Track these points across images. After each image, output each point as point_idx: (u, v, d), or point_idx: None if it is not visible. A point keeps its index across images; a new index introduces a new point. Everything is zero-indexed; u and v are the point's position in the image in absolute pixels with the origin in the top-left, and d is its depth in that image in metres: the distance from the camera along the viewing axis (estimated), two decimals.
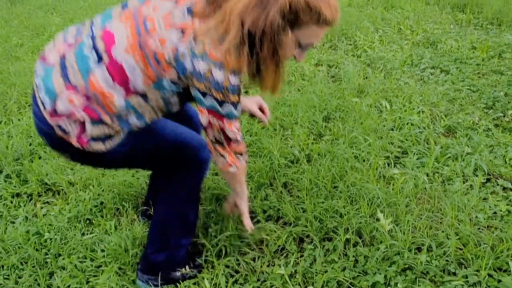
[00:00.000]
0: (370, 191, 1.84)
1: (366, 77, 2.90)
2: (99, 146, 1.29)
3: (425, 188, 1.91)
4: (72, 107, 1.21)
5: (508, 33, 3.52)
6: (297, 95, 2.64)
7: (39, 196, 2.16)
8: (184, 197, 1.51)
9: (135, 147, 1.35)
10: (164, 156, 1.42)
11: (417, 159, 2.13)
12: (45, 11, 4.86)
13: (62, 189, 2.15)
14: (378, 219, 1.70)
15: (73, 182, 2.18)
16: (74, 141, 1.26)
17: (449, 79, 2.88)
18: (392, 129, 2.34)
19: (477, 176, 2.00)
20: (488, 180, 2.00)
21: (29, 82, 3.19)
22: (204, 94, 1.20)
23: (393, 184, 1.94)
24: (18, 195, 2.17)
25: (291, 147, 2.22)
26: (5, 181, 2.24)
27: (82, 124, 1.23)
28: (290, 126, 2.38)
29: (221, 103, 1.21)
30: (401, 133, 2.29)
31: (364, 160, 2.08)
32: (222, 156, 1.34)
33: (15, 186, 2.20)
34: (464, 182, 1.96)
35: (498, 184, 1.96)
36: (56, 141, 1.30)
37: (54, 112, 1.22)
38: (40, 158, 2.39)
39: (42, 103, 1.24)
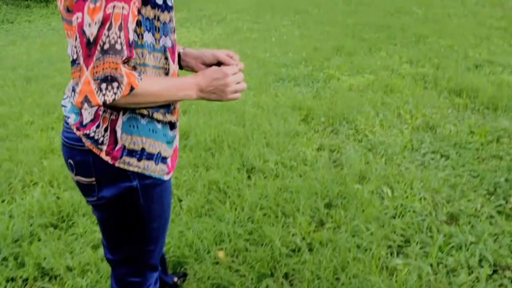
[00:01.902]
0: (373, 284, 1.80)
1: (367, 163, 2.94)
2: (132, 161, 1.16)
3: (429, 280, 1.87)
4: (93, 110, 1.13)
5: (503, 118, 3.60)
6: (299, 181, 2.67)
7: (35, 281, 2.11)
8: None
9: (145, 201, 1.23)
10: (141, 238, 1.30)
11: (420, 248, 2.11)
12: (57, 89, 5.05)
13: (60, 274, 2.11)
14: None
15: (71, 267, 2.15)
16: (103, 154, 1.14)
17: (449, 164, 2.91)
18: (394, 217, 2.33)
19: (482, 267, 1.96)
20: (495, 271, 1.96)
21: (36, 160, 3.25)
22: None
23: (397, 276, 1.90)
24: (13, 279, 2.13)
25: (293, 235, 2.20)
26: (2, 264, 2.20)
27: (113, 129, 1.13)
28: (292, 213, 2.37)
29: None
30: (403, 221, 2.28)
31: (366, 250, 2.05)
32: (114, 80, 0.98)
33: (11, 269, 2.16)
34: (469, 274, 1.92)
35: (505, 277, 1.91)
36: (82, 159, 1.17)
37: (81, 125, 1.15)
38: (39, 240, 2.37)
39: (68, 122, 1.19)
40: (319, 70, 5.02)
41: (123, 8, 0.96)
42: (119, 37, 0.97)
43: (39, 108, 4.44)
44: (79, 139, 1.15)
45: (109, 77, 0.96)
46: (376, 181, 2.65)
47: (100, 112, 1.12)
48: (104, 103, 0.98)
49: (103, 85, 0.96)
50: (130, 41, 1.00)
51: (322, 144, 3.25)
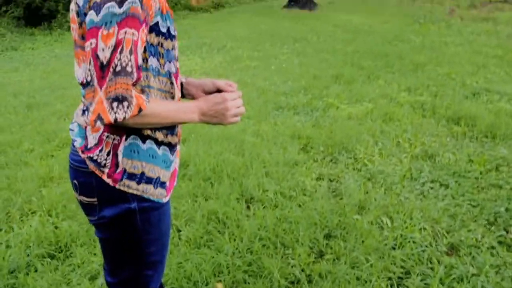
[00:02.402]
0: None
1: (367, 192, 2.93)
2: (132, 184, 1.22)
3: None
4: (98, 134, 1.21)
5: (502, 146, 3.61)
6: (298, 212, 2.65)
7: None
8: None
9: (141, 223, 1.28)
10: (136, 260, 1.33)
11: (421, 280, 2.09)
12: (58, 117, 5.07)
13: None
14: None
15: None
16: (105, 176, 1.21)
17: (448, 194, 2.90)
18: (394, 248, 2.32)
19: None
20: None
21: (35, 189, 3.24)
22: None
23: None
24: None
25: (292, 266, 2.18)
26: None
27: (115, 154, 1.20)
28: (291, 244, 2.36)
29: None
30: (403, 252, 2.26)
31: (366, 282, 2.03)
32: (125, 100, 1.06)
33: None
34: None
35: None
36: (86, 180, 1.24)
37: (85, 148, 1.23)
38: (36, 271, 2.34)
39: (74, 145, 1.26)
40: (318, 98, 5.06)
41: (133, 34, 1.06)
42: (130, 60, 1.05)
43: (39, 136, 4.45)
44: (83, 162, 1.23)
45: (120, 97, 1.04)
46: (375, 211, 2.64)
47: (104, 137, 1.20)
48: (116, 121, 1.05)
49: (115, 104, 1.04)
50: (139, 64, 1.08)
51: (321, 174, 3.25)
